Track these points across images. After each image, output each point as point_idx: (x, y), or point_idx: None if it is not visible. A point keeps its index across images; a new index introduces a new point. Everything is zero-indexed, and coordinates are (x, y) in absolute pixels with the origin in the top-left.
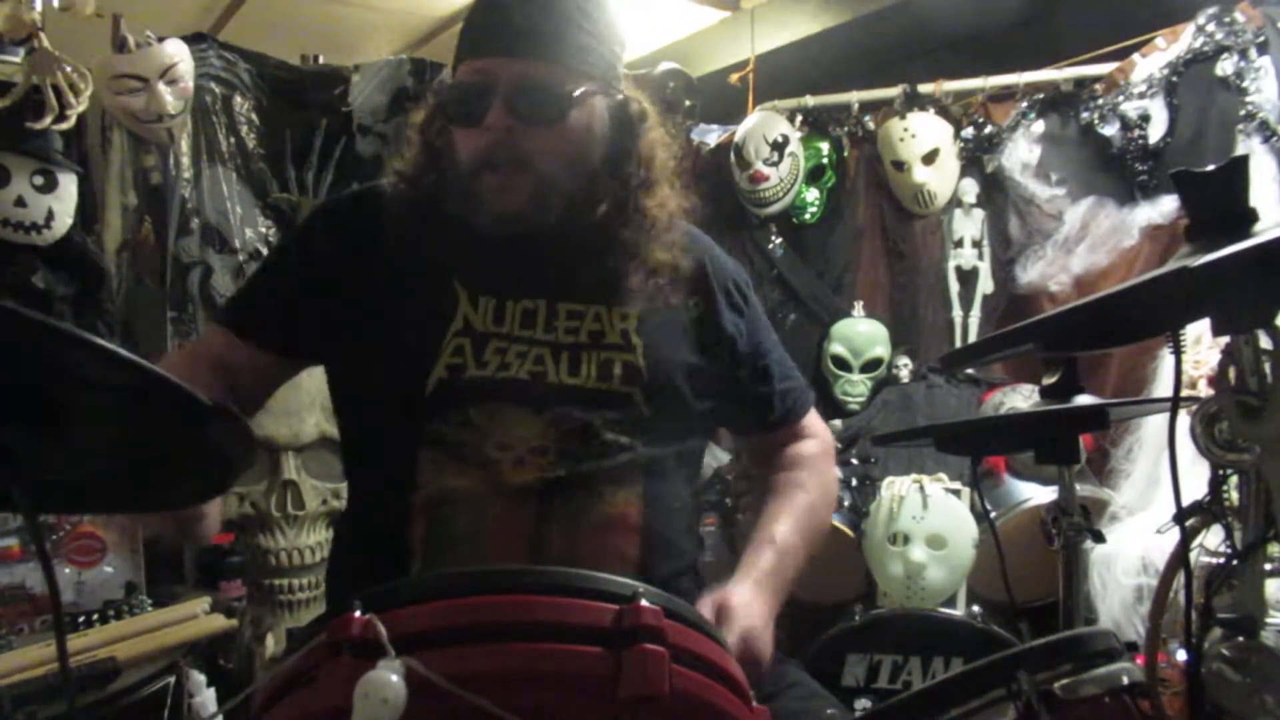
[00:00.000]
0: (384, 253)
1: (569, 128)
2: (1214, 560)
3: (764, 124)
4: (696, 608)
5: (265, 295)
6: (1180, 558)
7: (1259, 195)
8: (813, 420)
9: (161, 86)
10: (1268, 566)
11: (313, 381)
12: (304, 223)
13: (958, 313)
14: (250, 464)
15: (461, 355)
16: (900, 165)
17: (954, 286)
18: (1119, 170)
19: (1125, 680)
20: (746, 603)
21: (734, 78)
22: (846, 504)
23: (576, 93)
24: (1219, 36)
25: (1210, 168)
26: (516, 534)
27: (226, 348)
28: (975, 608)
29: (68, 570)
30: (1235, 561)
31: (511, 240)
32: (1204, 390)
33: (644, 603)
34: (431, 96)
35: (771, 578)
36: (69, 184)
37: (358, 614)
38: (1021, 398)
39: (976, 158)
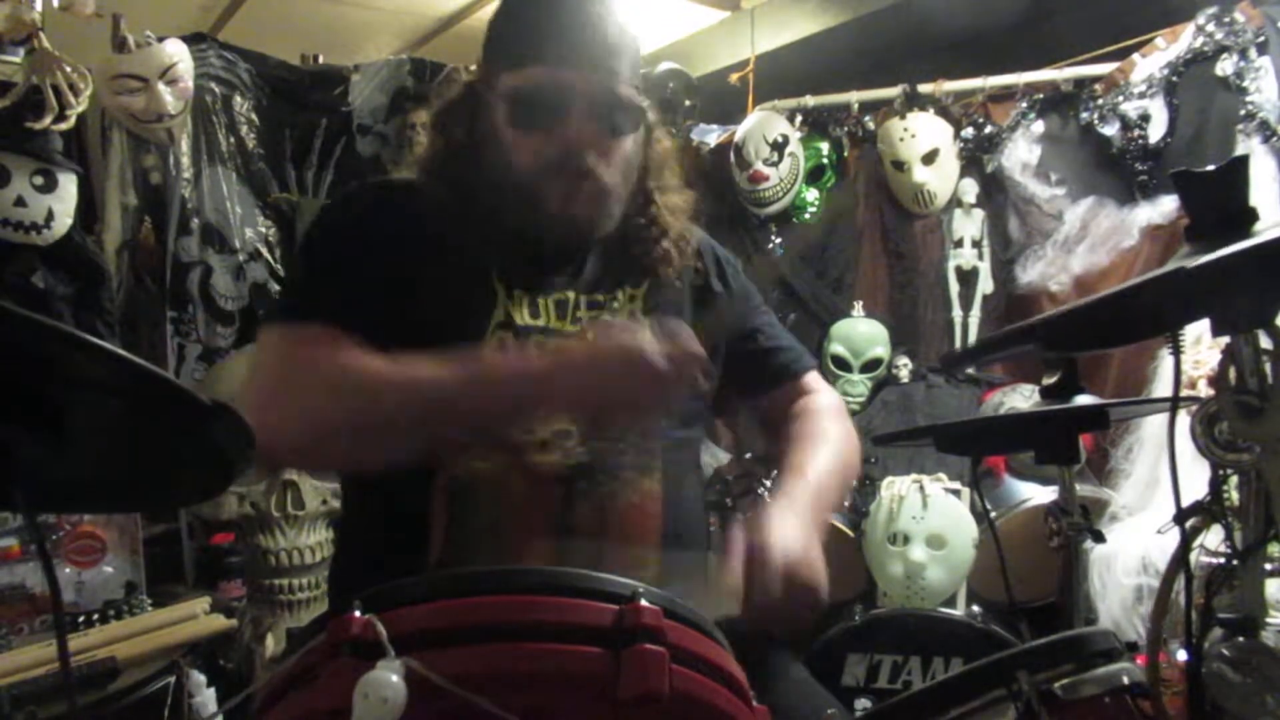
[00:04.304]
0: (421, 246)
1: (630, 140)
2: (1214, 560)
3: (764, 124)
4: (730, 544)
5: (351, 286)
6: (1180, 558)
7: (1259, 195)
8: (816, 381)
9: (161, 86)
10: (1268, 566)
11: None
12: (341, 213)
13: (958, 313)
14: (251, 463)
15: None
16: (900, 165)
17: (954, 286)
18: (1119, 170)
19: (1125, 680)
20: (783, 535)
21: (734, 78)
22: (846, 504)
23: (643, 108)
24: (1219, 36)
25: (1210, 168)
26: (540, 519)
27: (342, 339)
28: (975, 608)
29: (68, 570)
30: (1235, 561)
31: (542, 237)
32: (1204, 390)
33: (644, 602)
34: (444, 92)
35: (806, 504)
36: (69, 184)
37: (358, 614)
38: (1021, 398)
39: (976, 158)
